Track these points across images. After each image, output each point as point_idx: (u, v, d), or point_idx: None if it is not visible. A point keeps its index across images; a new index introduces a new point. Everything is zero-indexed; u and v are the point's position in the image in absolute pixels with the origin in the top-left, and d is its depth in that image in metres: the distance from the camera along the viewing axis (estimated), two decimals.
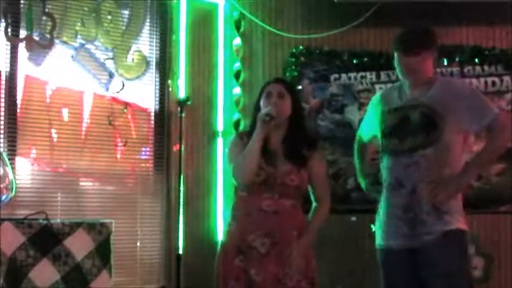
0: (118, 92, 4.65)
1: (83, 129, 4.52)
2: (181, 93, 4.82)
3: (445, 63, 4.90)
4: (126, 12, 4.79)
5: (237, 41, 5.15)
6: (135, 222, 4.66)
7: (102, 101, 4.60)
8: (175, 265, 4.34)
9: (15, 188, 3.17)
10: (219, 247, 3.11)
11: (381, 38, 5.01)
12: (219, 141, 4.99)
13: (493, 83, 4.86)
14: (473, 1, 4.65)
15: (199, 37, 5.05)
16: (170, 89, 4.86)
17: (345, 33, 4.97)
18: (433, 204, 2.89)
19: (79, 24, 4.55)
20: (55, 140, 4.40)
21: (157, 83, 4.87)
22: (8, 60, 4.24)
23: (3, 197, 3.07)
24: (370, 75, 4.99)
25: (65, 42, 4.48)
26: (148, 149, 4.81)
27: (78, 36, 4.54)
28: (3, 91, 4.19)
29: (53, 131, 4.39)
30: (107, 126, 4.57)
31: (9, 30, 4.21)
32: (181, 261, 4.33)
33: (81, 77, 4.53)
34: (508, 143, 3.05)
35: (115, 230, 3.20)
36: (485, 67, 4.88)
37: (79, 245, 3.01)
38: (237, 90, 5.08)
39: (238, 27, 5.16)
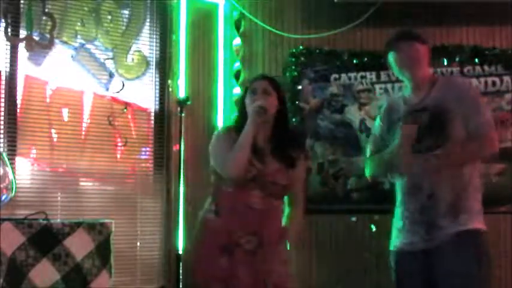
0: (118, 92, 4.65)
1: (83, 129, 4.52)
2: (181, 93, 4.82)
3: (445, 63, 4.90)
4: (126, 12, 4.79)
5: (237, 41, 5.15)
6: (135, 222, 4.66)
7: (102, 101, 4.60)
8: (175, 265, 4.34)
9: (15, 188, 3.17)
10: (195, 243, 3.04)
11: (380, 38, 5.00)
12: None
13: (493, 83, 4.86)
14: (473, 1, 4.65)
15: (199, 37, 5.05)
16: (170, 89, 4.86)
17: (345, 33, 4.97)
18: (449, 204, 2.87)
19: (79, 24, 4.55)
20: (55, 140, 4.40)
21: (157, 83, 4.87)
22: (8, 60, 4.24)
23: (3, 197, 3.06)
24: (370, 75, 4.99)
25: (65, 42, 4.48)
26: (148, 149, 4.81)
27: (78, 36, 4.54)
28: (3, 91, 4.19)
29: (53, 131, 4.39)
30: (107, 126, 4.57)
31: (9, 30, 4.21)
32: (181, 261, 4.32)
33: (81, 77, 4.53)
34: (486, 153, 3.03)
35: (115, 230, 3.20)
36: (485, 67, 4.88)
37: (79, 245, 3.01)
38: (237, 90, 5.08)
39: (238, 27, 5.16)
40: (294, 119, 4.97)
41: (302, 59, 5.06)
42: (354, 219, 4.94)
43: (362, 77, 5.00)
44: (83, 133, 4.52)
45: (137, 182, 4.71)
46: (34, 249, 2.87)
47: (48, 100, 4.38)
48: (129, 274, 4.56)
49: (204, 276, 2.93)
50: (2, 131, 4.17)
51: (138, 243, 4.66)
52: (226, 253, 2.89)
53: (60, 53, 4.45)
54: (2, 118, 4.18)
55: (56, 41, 4.39)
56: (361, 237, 4.89)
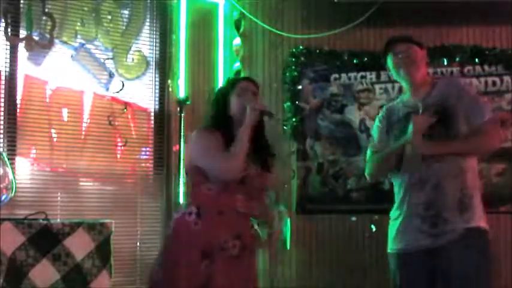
0: (118, 92, 4.65)
1: (83, 129, 4.52)
2: (181, 93, 4.82)
3: (445, 63, 4.90)
4: (126, 12, 4.79)
5: (237, 41, 5.15)
6: (135, 222, 4.66)
7: (102, 101, 4.60)
8: None
9: (15, 188, 3.17)
10: (171, 248, 2.84)
11: (381, 38, 5.00)
12: None
13: (493, 83, 4.86)
14: (473, 1, 4.65)
15: (199, 37, 5.05)
16: (170, 89, 4.85)
17: (345, 33, 4.97)
18: (455, 198, 2.88)
19: (79, 24, 4.55)
20: (55, 140, 4.40)
21: (157, 83, 4.87)
22: (8, 60, 4.24)
23: (3, 197, 3.06)
24: (370, 75, 4.99)
25: (65, 42, 4.48)
26: (148, 149, 4.81)
27: (78, 36, 4.54)
28: (3, 91, 4.19)
29: (53, 131, 4.39)
30: (107, 126, 4.57)
31: (9, 30, 4.21)
32: None
33: (81, 77, 4.53)
34: (489, 149, 3.06)
35: (115, 230, 3.19)
36: (485, 67, 4.88)
37: (79, 245, 3.01)
38: None
39: (238, 27, 5.16)
40: (294, 119, 4.98)
41: (302, 59, 5.06)
42: (353, 219, 4.94)
43: (362, 77, 5.01)
44: (83, 133, 4.52)
45: (137, 182, 4.71)
46: (34, 249, 2.87)
47: (48, 100, 4.38)
48: (129, 274, 4.56)
49: (183, 283, 2.73)
50: (2, 131, 4.17)
51: (138, 243, 4.66)
52: (206, 258, 2.74)
53: (60, 53, 4.45)
54: (2, 118, 4.18)
55: (56, 41, 4.40)
56: (361, 237, 4.89)
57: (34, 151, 4.32)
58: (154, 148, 4.82)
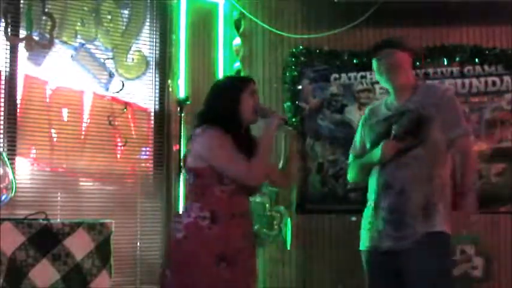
0: (118, 92, 4.65)
1: (83, 129, 4.52)
2: (181, 93, 4.82)
3: (445, 63, 4.90)
4: (126, 12, 4.79)
5: (237, 41, 5.15)
6: (135, 222, 4.66)
7: (102, 101, 4.60)
8: None
9: (15, 188, 3.17)
10: (182, 249, 2.76)
11: (380, 38, 4.98)
12: None
13: (493, 83, 4.86)
14: (473, 1, 4.65)
15: (199, 37, 5.05)
16: (170, 89, 4.85)
17: (345, 33, 4.97)
18: (420, 204, 2.93)
19: (79, 24, 4.55)
20: (55, 140, 4.40)
21: (157, 83, 4.87)
22: (8, 60, 4.24)
23: (3, 197, 3.06)
24: (370, 75, 4.99)
25: (65, 42, 4.48)
26: (148, 149, 4.81)
27: (78, 36, 4.54)
28: (3, 91, 4.19)
29: (53, 131, 4.39)
30: (107, 126, 4.57)
31: (9, 30, 4.21)
32: None
33: (81, 77, 4.53)
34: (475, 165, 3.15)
35: (115, 230, 3.20)
36: (485, 67, 4.88)
37: (79, 245, 3.01)
38: None
39: (238, 27, 5.16)
40: (294, 119, 4.98)
41: (302, 59, 5.07)
42: (354, 219, 4.94)
43: (362, 77, 5.01)
44: (83, 133, 4.51)
45: (137, 182, 4.71)
46: (34, 249, 2.88)
47: (48, 100, 4.38)
48: (129, 274, 4.56)
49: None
50: (2, 131, 4.16)
51: (138, 243, 4.66)
52: (223, 262, 2.72)
53: (60, 53, 4.45)
54: (2, 118, 4.18)
55: (56, 41, 4.39)
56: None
57: (34, 151, 4.32)
58: (154, 148, 4.82)
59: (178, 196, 4.39)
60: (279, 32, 5.09)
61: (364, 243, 3.15)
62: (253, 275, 2.89)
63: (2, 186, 3.05)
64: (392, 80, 3.09)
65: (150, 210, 4.75)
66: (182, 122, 4.44)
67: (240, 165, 2.73)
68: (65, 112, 4.46)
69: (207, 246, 2.72)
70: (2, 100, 4.19)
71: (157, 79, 4.88)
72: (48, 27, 4.33)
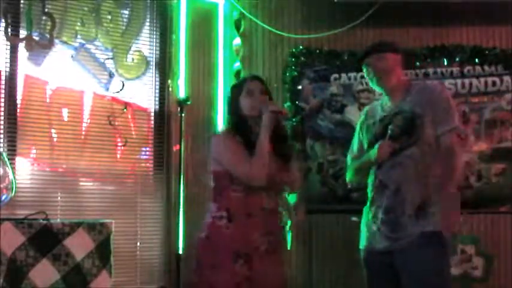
0: (118, 92, 4.65)
1: (83, 129, 4.52)
2: (181, 93, 4.82)
3: (445, 63, 4.90)
4: (126, 12, 4.79)
5: (237, 41, 5.15)
6: (135, 222, 4.66)
7: (102, 101, 4.60)
8: (175, 265, 4.34)
9: (15, 188, 3.17)
10: (203, 249, 2.94)
11: (380, 38, 5.00)
12: None
13: (493, 83, 4.86)
14: (473, 1, 4.65)
15: (199, 37, 5.05)
16: (170, 89, 4.85)
17: (345, 33, 4.97)
18: (415, 203, 2.93)
19: (79, 24, 4.55)
20: (55, 140, 4.40)
21: (157, 83, 4.87)
22: (8, 60, 4.24)
23: (3, 197, 3.07)
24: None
25: (65, 42, 4.48)
26: (148, 149, 4.81)
27: (78, 36, 4.54)
28: (3, 91, 4.19)
29: (53, 131, 4.39)
30: (107, 126, 4.57)
31: (9, 30, 4.21)
32: (181, 261, 4.32)
33: (81, 77, 4.53)
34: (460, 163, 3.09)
35: (115, 230, 3.20)
36: (485, 67, 4.88)
37: (79, 245, 3.01)
38: None
39: (238, 27, 5.16)
40: (294, 119, 4.98)
41: (302, 59, 5.06)
42: (354, 219, 4.94)
43: (362, 77, 4.99)
44: (83, 133, 4.51)
45: (137, 182, 4.71)
46: (34, 249, 2.88)
47: (48, 100, 4.38)
48: (129, 274, 4.56)
49: (219, 285, 2.87)
50: (2, 131, 4.16)
51: (138, 243, 4.66)
52: (240, 259, 2.86)
53: (60, 53, 4.45)
54: (2, 118, 4.18)
55: (56, 41, 4.39)
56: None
57: (34, 151, 4.32)
58: (154, 148, 4.82)
59: (179, 196, 4.39)
60: (279, 32, 5.09)
61: (362, 242, 3.19)
62: (279, 268, 2.97)
63: (2, 186, 3.05)
64: (383, 83, 3.13)
65: (150, 210, 4.75)
66: (182, 122, 4.44)
67: (242, 166, 2.90)
68: (65, 112, 4.46)
69: (225, 244, 2.89)
70: (2, 100, 4.19)
71: (157, 79, 4.88)
72: (48, 27, 4.33)
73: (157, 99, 4.86)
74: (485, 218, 4.85)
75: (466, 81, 4.84)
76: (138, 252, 4.65)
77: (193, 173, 4.77)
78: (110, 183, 4.59)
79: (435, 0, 4.73)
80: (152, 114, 4.83)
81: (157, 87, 4.87)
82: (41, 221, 3.01)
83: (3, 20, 4.20)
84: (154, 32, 4.90)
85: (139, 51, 4.82)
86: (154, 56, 4.88)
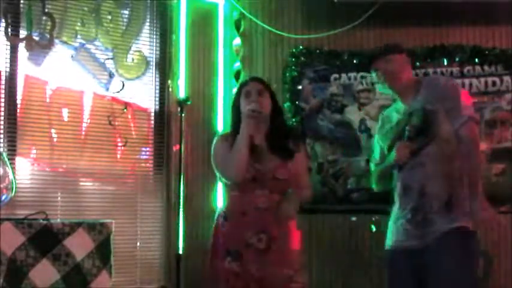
0: (118, 92, 4.65)
1: (83, 129, 4.52)
2: (181, 93, 4.82)
3: (445, 63, 4.90)
4: (126, 12, 4.79)
5: (237, 41, 5.14)
6: (135, 222, 4.66)
7: (102, 101, 4.60)
8: (175, 265, 4.34)
9: (15, 188, 3.17)
10: (209, 249, 3.15)
11: (380, 38, 5.01)
12: None
13: (493, 83, 4.86)
14: (473, 1, 4.65)
15: (199, 37, 5.04)
16: (170, 89, 4.85)
17: (345, 33, 4.97)
18: (441, 202, 2.93)
19: (79, 24, 4.55)
20: (55, 140, 4.40)
21: (157, 83, 4.87)
22: (8, 60, 4.24)
23: (3, 197, 3.06)
24: (370, 75, 4.99)
25: (65, 42, 4.48)
26: (148, 149, 4.81)
27: (78, 36, 4.54)
28: (3, 91, 4.19)
29: (53, 131, 4.39)
30: (107, 126, 4.57)
31: (9, 30, 4.21)
32: (181, 261, 4.32)
33: (81, 77, 4.53)
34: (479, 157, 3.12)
35: (115, 230, 3.20)
36: (485, 67, 4.88)
37: (79, 245, 3.01)
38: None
39: (238, 27, 5.16)
40: (294, 119, 4.98)
41: (302, 59, 5.06)
42: (354, 219, 4.94)
43: (362, 77, 5.00)
44: (83, 133, 4.52)
45: (137, 182, 4.71)
46: (34, 249, 2.88)
47: (48, 100, 4.38)
48: (129, 274, 4.56)
49: (217, 280, 3.02)
50: (2, 131, 4.17)
51: (138, 243, 4.66)
52: (230, 256, 2.98)
53: (60, 53, 4.45)
54: (2, 118, 4.18)
55: (56, 41, 4.39)
56: (361, 237, 4.89)
57: (34, 151, 4.32)
58: (154, 148, 4.82)
59: (179, 196, 4.39)
60: (279, 32, 5.09)
61: (387, 242, 3.18)
62: (278, 263, 3.01)
63: (2, 186, 3.05)
64: (392, 85, 3.15)
65: (150, 210, 4.75)
66: (182, 122, 4.44)
67: (221, 165, 3.09)
68: (65, 112, 4.46)
69: (219, 241, 3.07)
70: (2, 100, 4.19)
71: (157, 79, 4.88)
72: (48, 27, 4.33)
73: (157, 99, 4.86)
74: None
75: (466, 81, 4.84)
76: (138, 252, 4.65)
77: (192, 172, 4.78)
78: (110, 183, 4.59)
79: (435, 0, 4.73)
80: (152, 114, 4.83)
81: (157, 87, 4.87)
82: (41, 221, 3.00)
83: (3, 20, 4.20)
84: (154, 32, 4.90)
85: (139, 51, 4.82)
86: (154, 56, 4.88)
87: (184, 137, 4.47)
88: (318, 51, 5.07)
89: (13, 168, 3.69)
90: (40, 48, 4.31)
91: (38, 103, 4.34)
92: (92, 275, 3.04)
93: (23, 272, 2.84)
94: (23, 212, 3.40)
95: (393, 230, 3.14)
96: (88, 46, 4.58)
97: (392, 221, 3.17)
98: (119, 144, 4.64)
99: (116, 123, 4.61)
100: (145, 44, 4.86)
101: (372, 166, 3.36)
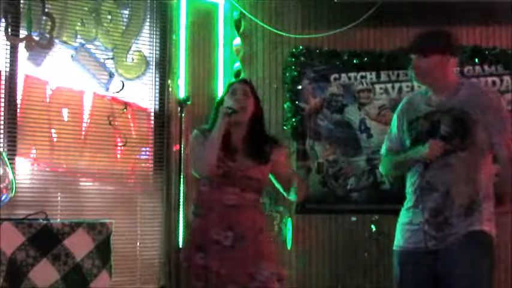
0: (118, 92, 4.65)
1: (83, 129, 4.52)
2: (181, 93, 4.83)
3: None
4: (126, 12, 4.79)
5: (237, 41, 5.15)
6: (135, 222, 4.66)
7: (102, 101, 4.60)
8: (176, 265, 4.34)
9: (15, 188, 3.17)
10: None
11: (380, 38, 5.01)
12: None
13: (493, 83, 4.86)
14: (473, 1, 4.65)
15: (199, 37, 5.05)
16: (170, 89, 4.86)
17: (345, 33, 4.97)
18: (463, 205, 2.90)
19: (79, 24, 4.55)
20: (55, 140, 4.40)
21: (157, 83, 4.87)
22: (8, 60, 4.24)
23: (3, 197, 3.06)
24: (370, 75, 4.99)
25: (65, 42, 4.48)
26: (148, 149, 4.81)
27: (78, 36, 4.54)
28: (3, 91, 4.19)
29: (53, 131, 4.39)
30: (107, 126, 4.57)
31: (9, 30, 4.21)
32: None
33: (81, 77, 4.53)
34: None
35: (115, 230, 3.20)
36: (485, 67, 4.88)
37: (79, 245, 3.01)
38: None
39: (238, 27, 5.16)
40: (293, 119, 4.98)
41: (302, 59, 5.06)
42: (353, 219, 4.94)
43: (362, 77, 5.00)
44: (83, 133, 4.52)
45: (137, 182, 4.71)
46: (34, 249, 2.87)
47: (48, 100, 4.38)
48: (129, 274, 4.56)
49: (191, 276, 3.07)
50: (2, 131, 4.16)
51: (138, 243, 4.66)
52: (201, 252, 3.01)
53: (60, 53, 4.45)
54: (2, 118, 4.18)
55: (56, 41, 4.40)
56: (361, 237, 4.89)
57: (34, 151, 4.32)
58: (154, 148, 4.82)
59: (179, 196, 4.38)
60: (279, 32, 5.09)
61: (399, 242, 3.06)
62: (244, 262, 2.99)
63: (2, 186, 3.05)
64: (426, 84, 3.03)
65: (150, 210, 4.75)
66: (182, 122, 4.43)
67: (193, 159, 3.13)
68: (65, 112, 4.46)
69: (190, 237, 3.16)
70: (2, 100, 4.19)
71: (157, 79, 4.88)
72: (48, 27, 4.33)
73: (157, 99, 4.86)
74: None
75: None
76: (138, 252, 4.65)
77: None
78: (109, 183, 4.59)
79: (435, 0, 4.73)
80: (152, 114, 4.84)
81: (157, 87, 4.87)
82: (41, 221, 3.00)
83: (3, 20, 4.20)
84: (154, 32, 4.90)
85: (139, 51, 4.82)
86: (154, 56, 4.88)
87: (184, 137, 4.46)
88: (317, 51, 5.07)
89: (13, 168, 3.69)
90: (40, 48, 4.31)
91: (38, 103, 4.34)
92: (92, 275, 3.03)
93: (23, 272, 2.83)
94: (23, 212, 3.40)
95: (406, 230, 3.03)
96: (88, 46, 4.58)
97: (404, 221, 3.05)
98: (119, 144, 4.64)
99: (116, 123, 4.61)
100: (145, 44, 4.86)
101: (384, 149, 3.20)
